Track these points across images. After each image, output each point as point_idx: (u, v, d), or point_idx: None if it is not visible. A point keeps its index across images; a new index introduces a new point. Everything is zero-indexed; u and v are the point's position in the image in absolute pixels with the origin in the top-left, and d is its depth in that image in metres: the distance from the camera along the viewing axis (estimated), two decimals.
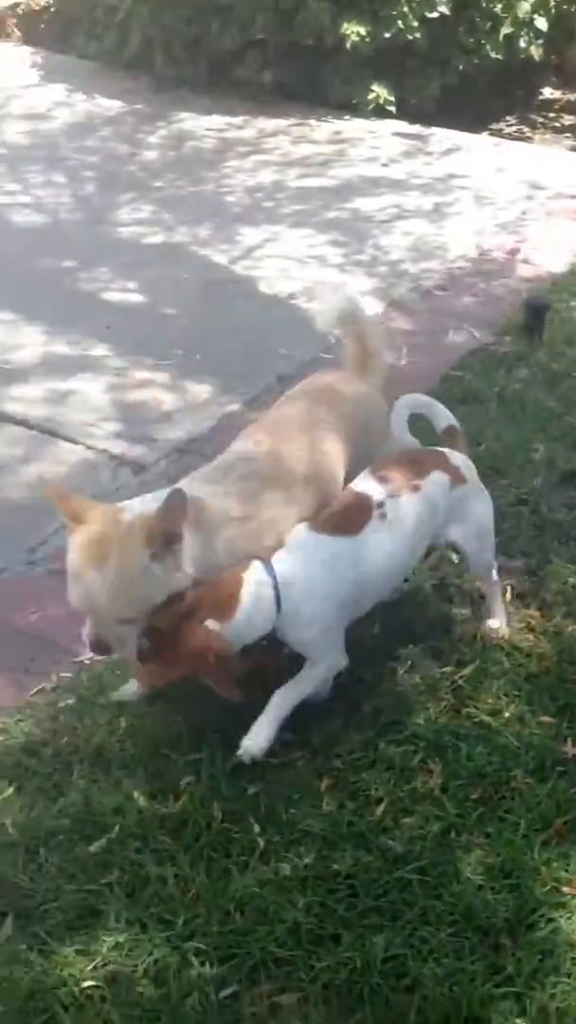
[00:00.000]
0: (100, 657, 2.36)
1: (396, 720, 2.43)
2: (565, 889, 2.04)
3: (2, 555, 3.07)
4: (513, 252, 5.06)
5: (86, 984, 1.88)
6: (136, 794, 2.26)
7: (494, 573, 2.66)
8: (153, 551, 2.12)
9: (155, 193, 5.67)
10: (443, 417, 2.64)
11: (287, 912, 1.98)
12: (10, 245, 5.03)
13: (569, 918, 1.98)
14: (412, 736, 2.40)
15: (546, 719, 2.46)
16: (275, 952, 1.91)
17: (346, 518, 2.33)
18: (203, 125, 6.60)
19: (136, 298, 4.62)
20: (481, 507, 2.57)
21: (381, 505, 2.33)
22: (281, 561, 2.25)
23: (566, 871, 2.08)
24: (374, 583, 2.38)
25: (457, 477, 2.49)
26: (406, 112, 6.65)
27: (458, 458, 2.55)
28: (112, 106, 6.86)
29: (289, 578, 2.22)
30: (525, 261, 4.98)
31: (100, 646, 2.22)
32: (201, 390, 3.93)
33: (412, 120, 6.64)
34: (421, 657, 2.62)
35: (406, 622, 2.72)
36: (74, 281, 4.75)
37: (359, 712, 2.46)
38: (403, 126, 6.60)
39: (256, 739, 2.26)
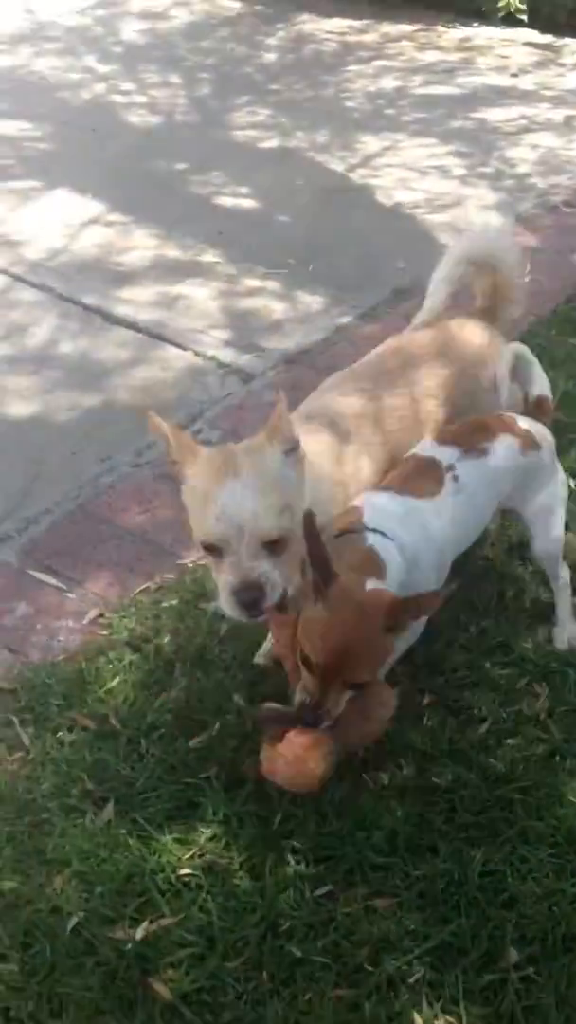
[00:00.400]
0: (249, 618, 1.88)
1: (502, 643, 2.37)
2: None
3: (110, 456, 3.08)
4: None
5: (183, 871, 1.90)
6: (236, 696, 2.26)
7: (563, 573, 2.41)
8: (283, 448, 1.92)
9: (272, 96, 5.51)
10: (538, 384, 2.42)
11: (384, 820, 1.97)
12: (124, 146, 4.97)
13: None
14: (519, 659, 2.34)
15: None
16: (371, 857, 1.91)
17: (425, 482, 2.16)
18: (324, 28, 6.38)
19: (249, 204, 4.52)
20: (553, 483, 2.35)
21: (451, 468, 2.18)
22: (384, 524, 2.02)
23: None
24: (454, 545, 2.23)
25: (527, 443, 2.27)
26: (537, 21, 6.31)
27: (531, 424, 2.32)
28: (232, 7, 6.67)
29: (402, 538, 2.02)
30: None
31: (250, 589, 1.83)
32: (313, 301, 3.84)
33: (544, 30, 6.30)
34: (532, 581, 2.55)
35: (518, 546, 2.64)
36: (186, 184, 4.67)
37: (465, 632, 2.40)
38: (534, 35, 6.27)
39: None
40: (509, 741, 2.15)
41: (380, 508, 2.09)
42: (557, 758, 2.11)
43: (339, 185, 4.64)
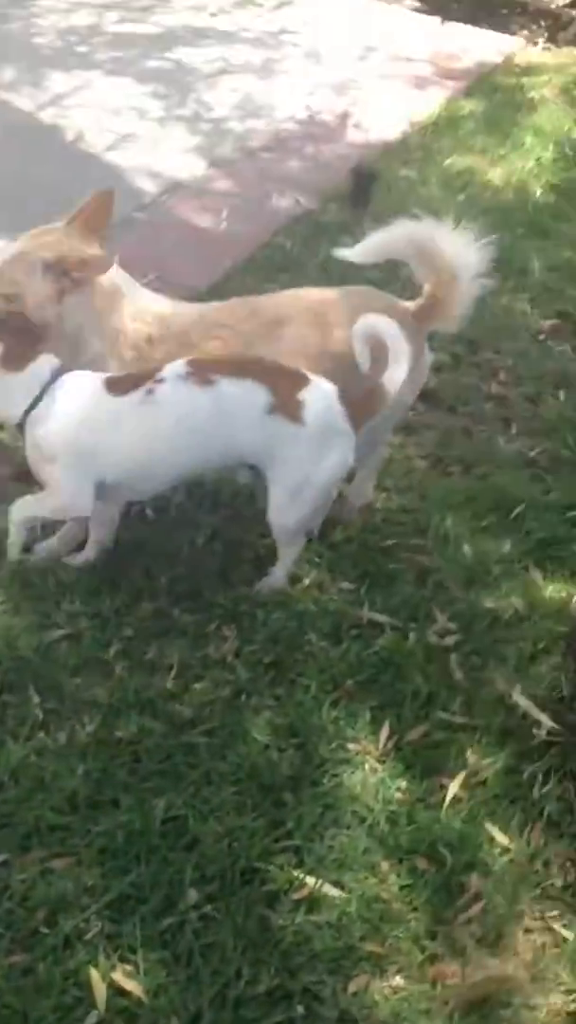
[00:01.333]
0: None
1: (193, 589, 2.36)
2: (350, 746, 2.05)
3: None
4: (344, 116, 4.88)
5: None
6: None
7: (293, 549, 2.36)
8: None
9: None
10: (390, 372, 2.19)
11: (64, 780, 1.91)
12: None
13: (352, 773, 1.99)
14: (208, 604, 2.34)
15: (345, 585, 2.45)
16: (50, 818, 1.84)
17: (127, 379, 2.21)
18: None
19: None
20: (313, 466, 2.18)
21: (159, 382, 2.13)
22: (62, 378, 2.22)
23: (352, 729, 2.08)
24: (124, 464, 2.19)
25: (288, 408, 2.11)
26: None
27: (317, 393, 2.14)
28: None
29: (57, 391, 2.20)
30: (356, 126, 4.82)
31: None
32: None
33: None
34: (225, 525, 2.55)
35: (212, 492, 2.63)
36: None
37: (155, 581, 2.37)
38: None
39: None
40: (196, 686, 2.15)
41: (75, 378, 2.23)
42: (242, 697, 2.13)
43: (25, 124, 4.40)
